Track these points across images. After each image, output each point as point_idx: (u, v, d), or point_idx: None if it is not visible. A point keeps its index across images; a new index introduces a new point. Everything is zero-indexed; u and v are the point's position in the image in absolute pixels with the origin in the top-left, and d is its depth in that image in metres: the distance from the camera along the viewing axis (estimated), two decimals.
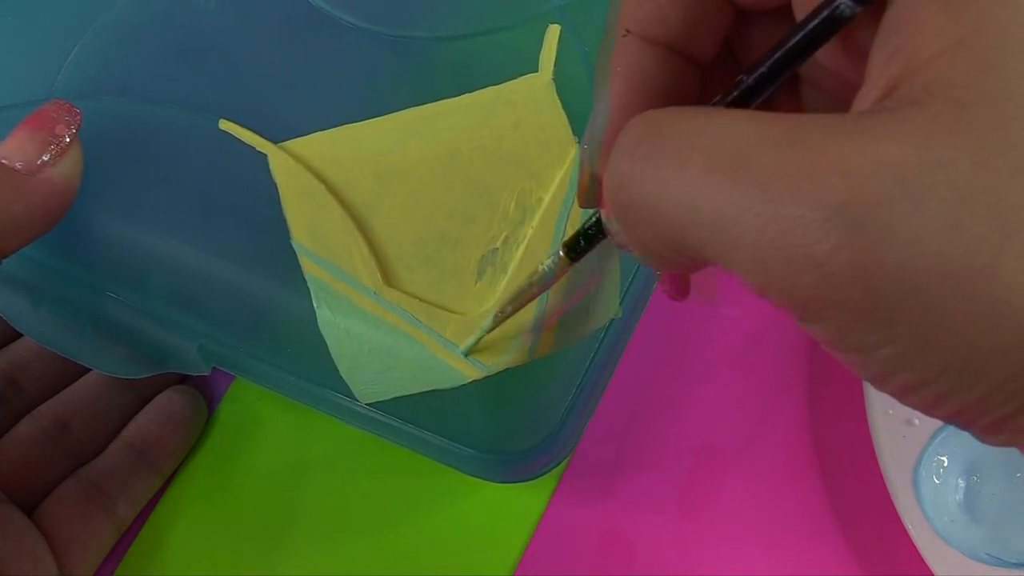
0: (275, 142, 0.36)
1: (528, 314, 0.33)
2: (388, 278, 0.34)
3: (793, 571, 0.41)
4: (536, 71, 0.36)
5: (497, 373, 0.33)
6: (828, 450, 0.43)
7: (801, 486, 0.43)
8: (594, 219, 0.27)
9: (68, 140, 0.34)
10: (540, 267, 0.29)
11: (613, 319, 0.35)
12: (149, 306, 0.36)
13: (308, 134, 0.36)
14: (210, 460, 0.44)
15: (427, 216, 0.34)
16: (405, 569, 0.42)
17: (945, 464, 0.40)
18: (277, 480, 0.43)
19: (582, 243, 0.27)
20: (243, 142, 0.36)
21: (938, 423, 0.39)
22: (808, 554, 0.42)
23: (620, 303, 0.35)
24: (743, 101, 0.22)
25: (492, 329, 0.32)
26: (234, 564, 0.42)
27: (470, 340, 0.33)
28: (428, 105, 0.36)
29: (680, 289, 0.28)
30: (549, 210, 0.34)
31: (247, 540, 0.43)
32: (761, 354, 0.45)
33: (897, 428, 0.40)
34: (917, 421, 0.40)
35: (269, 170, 0.35)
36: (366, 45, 0.38)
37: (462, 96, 0.36)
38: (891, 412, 0.40)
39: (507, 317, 0.31)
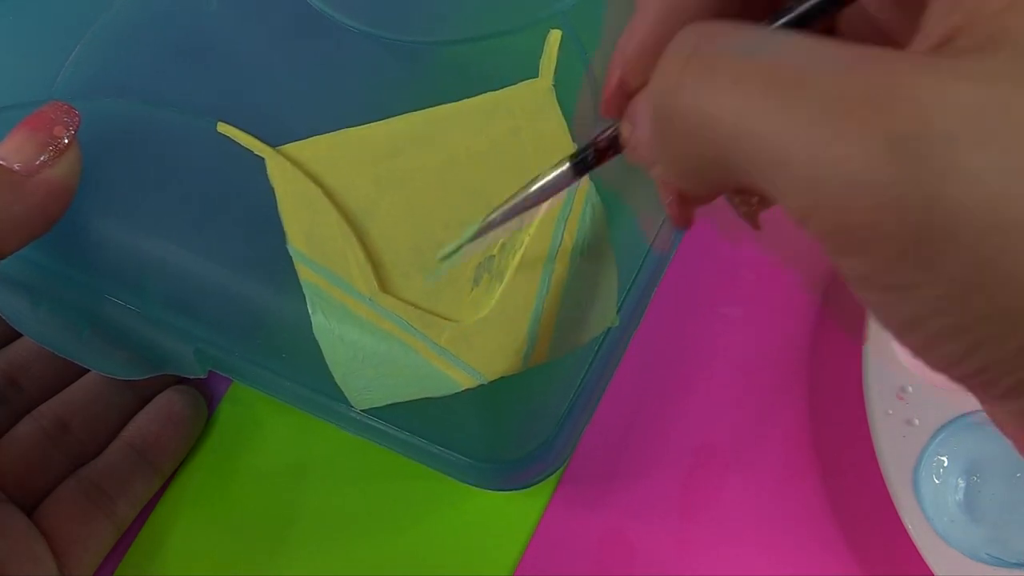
0: (273, 145, 0.36)
1: (524, 321, 0.33)
2: (384, 284, 0.33)
3: (793, 571, 0.41)
4: (537, 77, 0.36)
5: (492, 381, 0.32)
6: (828, 450, 0.43)
7: (801, 486, 0.42)
8: (610, 132, 0.26)
9: (67, 141, 0.34)
10: (541, 175, 0.28)
11: (610, 327, 0.35)
12: (146, 309, 0.36)
13: (306, 138, 0.36)
14: (210, 460, 0.44)
15: (424, 222, 0.34)
16: (404, 571, 0.42)
17: (945, 464, 0.40)
18: (277, 481, 0.44)
19: (591, 157, 0.27)
20: (241, 145, 0.36)
21: (938, 423, 0.39)
22: (808, 554, 0.41)
23: (617, 312, 0.35)
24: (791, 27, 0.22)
25: (475, 237, 0.31)
26: (234, 564, 0.42)
27: (449, 247, 0.32)
28: (427, 110, 0.36)
29: (686, 217, 0.27)
30: (546, 217, 0.34)
31: (247, 540, 0.43)
32: (761, 354, 0.45)
33: (897, 428, 0.39)
34: (917, 421, 0.40)
35: (267, 174, 0.35)
36: (366, 49, 0.37)
37: (461, 101, 0.36)
38: (891, 412, 0.40)
39: (494, 227, 0.31)
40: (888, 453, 0.39)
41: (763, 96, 0.18)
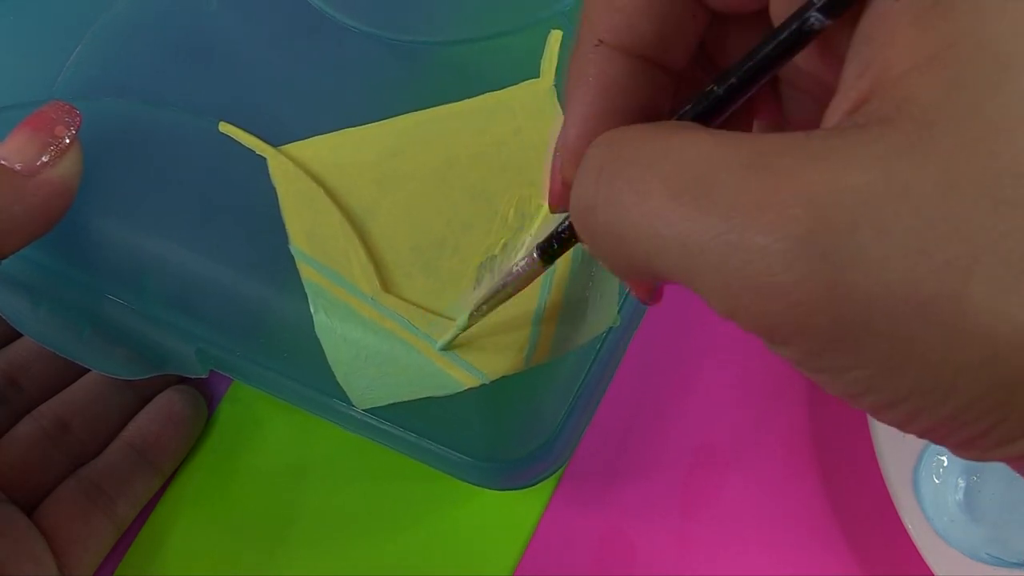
0: (275, 145, 0.36)
1: (526, 321, 0.33)
2: (386, 284, 0.33)
3: (793, 571, 0.41)
4: (538, 77, 0.36)
5: (494, 381, 0.33)
6: (828, 450, 0.43)
7: (801, 486, 0.43)
8: (567, 223, 0.27)
9: (68, 141, 0.34)
10: (514, 267, 0.29)
11: (611, 327, 0.35)
12: (147, 309, 0.36)
13: (308, 138, 0.36)
14: (210, 460, 0.44)
15: (426, 222, 0.34)
16: (404, 571, 0.42)
17: (945, 464, 0.40)
18: (277, 480, 0.44)
19: (555, 246, 0.28)
20: (243, 145, 0.36)
21: None
22: (808, 554, 0.42)
23: (618, 312, 0.35)
24: (714, 110, 0.22)
25: (467, 327, 0.32)
26: (234, 564, 0.42)
27: (447, 336, 0.32)
28: (428, 110, 0.36)
29: (650, 296, 0.28)
30: (548, 217, 0.34)
31: (247, 540, 0.43)
32: (761, 354, 0.45)
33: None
34: None
35: (268, 174, 0.35)
36: (367, 49, 0.37)
37: (463, 101, 0.36)
38: None
39: (482, 316, 0.32)
40: (888, 453, 0.39)
41: (667, 209, 0.19)
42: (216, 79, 0.37)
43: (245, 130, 0.36)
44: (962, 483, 0.40)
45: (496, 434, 0.34)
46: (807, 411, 0.44)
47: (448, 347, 0.33)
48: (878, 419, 0.19)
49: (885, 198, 0.17)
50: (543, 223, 0.34)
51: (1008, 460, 0.19)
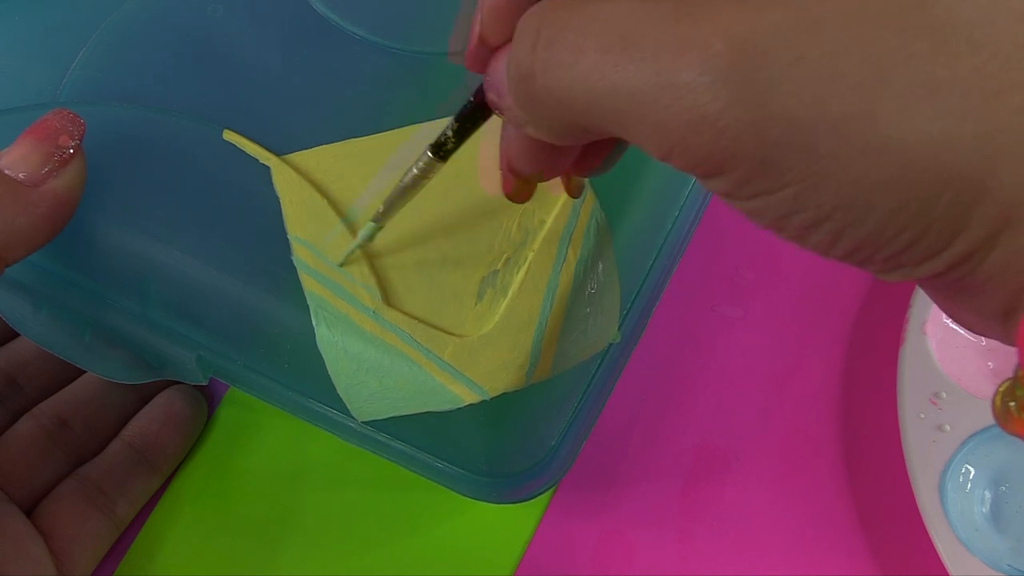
0: (279, 154, 0.36)
1: (527, 337, 0.33)
2: (388, 297, 0.33)
3: (819, 572, 0.42)
4: None
5: (494, 397, 0.33)
6: (854, 452, 0.43)
7: (827, 488, 0.43)
8: (466, 111, 0.27)
9: (72, 151, 0.34)
10: (411, 170, 0.30)
11: (611, 343, 0.35)
12: (149, 315, 0.36)
13: (313, 147, 0.36)
14: (209, 461, 0.44)
15: (429, 235, 0.34)
16: (401, 574, 0.42)
17: (971, 475, 0.40)
18: (276, 482, 0.44)
19: (451, 140, 0.28)
20: (247, 153, 0.36)
21: (969, 431, 0.40)
22: (832, 557, 0.42)
23: (619, 328, 0.35)
24: None
25: (370, 239, 0.33)
26: (233, 565, 0.43)
27: (345, 250, 0.33)
28: (433, 122, 0.36)
29: (523, 195, 0.30)
30: (551, 232, 0.34)
31: (246, 541, 0.43)
32: (786, 357, 0.45)
33: (928, 433, 0.40)
34: (948, 427, 0.40)
35: (272, 183, 0.35)
36: (374, 58, 0.37)
37: None
38: (923, 417, 0.40)
39: (382, 226, 0.32)
40: (917, 458, 0.40)
41: (602, 63, 0.21)
42: (221, 86, 0.37)
43: (249, 138, 0.36)
44: (988, 494, 0.40)
45: (495, 449, 0.35)
46: (839, 413, 0.44)
47: (345, 263, 0.33)
48: (808, 246, 0.21)
49: (798, 30, 0.19)
50: (546, 238, 0.34)
51: (930, 280, 0.21)
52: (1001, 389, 0.25)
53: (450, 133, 0.28)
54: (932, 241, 0.19)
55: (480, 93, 0.27)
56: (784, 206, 0.20)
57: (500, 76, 0.25)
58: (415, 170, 0.30)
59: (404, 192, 0.31)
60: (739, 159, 0.20)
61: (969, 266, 0.20)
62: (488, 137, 0.31)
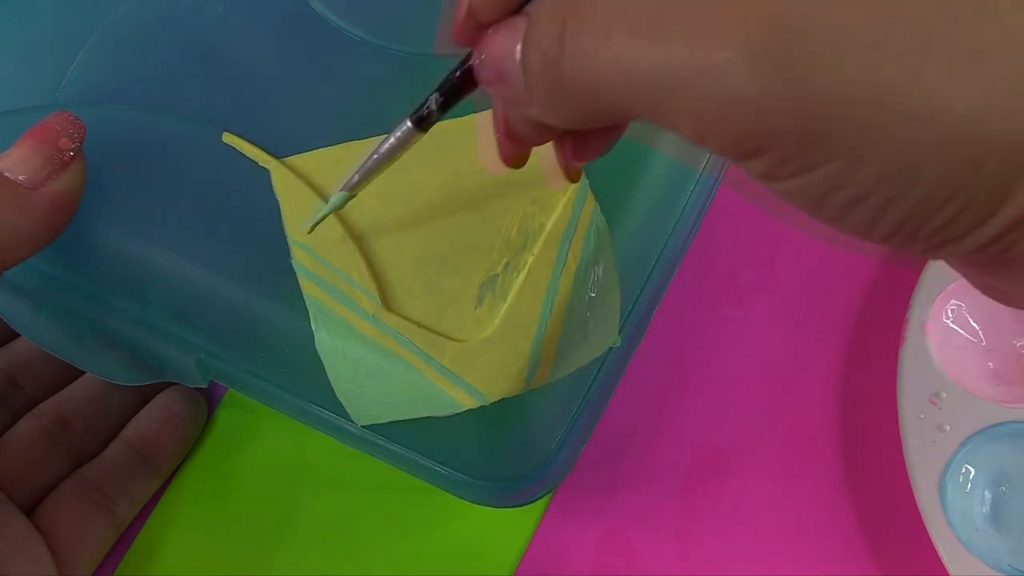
0: (279, 156, 0.36)
1: (527, 342, 0.33)
2: (388, 302, 0.33)
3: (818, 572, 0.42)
4: None
5: (493, 402, 0.33)
6: (854, 452, 0.43)
7: (827, 488, 0.43)
8: (451, 83, 0.27)
9: (72, 154, 0.33)
10: (389, 139, 0.29)
11: (611, 347, 0.35)
12: (148, 318, 0.36)
13: (312, 149, 0.36)
14: (209, 461, 0.44)
15: (429, 239, 0.34)
16: (401, 573, 0.42)
17: (971, 475, 0.40)
18: (276, 483, 0.44)
19: (433, 113, 0.28)
20: (246, 156, 0.36)
21: (969, 431, 0.40)
22: (832, 557, 0.42)
23: (619, 332, 0.35)
24: None
25: (341, 206, 0.32)
26: (233, 565, 0.43)
27: (313, 217, 0.33)
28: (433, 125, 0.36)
29: (521, 159, 0.29)
30: (551, 236, 0.34)
31: (245, 542, 0.43)
32: (787, 357, 0.45)
33: (928, 433, 0.40)
34: (948, 427, 0.40)
35: (271, 185, 0.35)
36: (374, 61, 0.37)
37: (468, 116, 0.36)
38: (923, 417, 0.40)
39: (355, 193, 0.32)
40: (917, 458, 0.40)
41: (633, 47, 0.20)
42: (220, 88, 0.37)
43: (249, 141, 0.36)
44: (988, 495, 0.40)
45: (494, 454, 0.35)
46: (825, 416, 0.44)
47: (313, 230, 0.33)
48: (849, 227, 0.21)
49: (832, 7, 0.18)
50: (546, 243, 0.34)
51: (976, 253, 0.20)
52: None
53: (433, 106, 0.27)
54: (979, 209, 0.19)
55: (465, 65, 0.26)
56: (825, 184, 0.20)
57: (503, 56, 0.24)
58: (393, 139, 0.29)
59: (379, 162, 0.30)
60: (778, 138, 0.19)
61: (1015, 235, 0.20)
62: (485, 115, 0.31)
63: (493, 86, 0.25)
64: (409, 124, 0.28)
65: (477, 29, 0.25)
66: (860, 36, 0.18)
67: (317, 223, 0.33)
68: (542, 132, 0.27)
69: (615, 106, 0.22)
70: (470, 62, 0.26)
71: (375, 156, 0.30)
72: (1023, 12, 0.18)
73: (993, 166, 0.18)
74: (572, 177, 0.32)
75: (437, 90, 0.27)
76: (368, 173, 0.31)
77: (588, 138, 0.28)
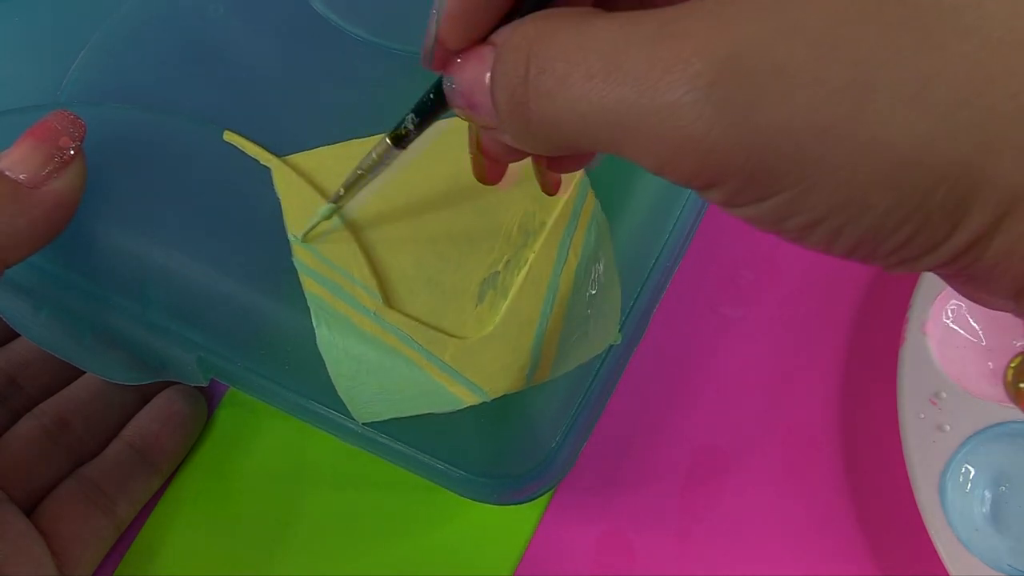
0: (280, 155, 0.36)
1: (528, 339, 0.33)
2: (389, 299, 0.33)
3: (818, 572, 0.42)
4: None
5: (495, 399, 0.33)
6: (854, 452, 0.43)
7: (827, 488, 0.43)
8: (427, 105, 0.28)
9: (72, 153, 0.34)
10: (370, 155, 0.30)
11: (612, 345, 0.35)
12: (148, 316, 0.36)
13: (313, 148, 0.36)
14: (209, 461, 0.44)
15: (430, 237, 0.34)
16: (400, 574, 0.42)
17: (971, 475, 0.40)
18: (275, 482, 0.44)
19: (411, 130, 0.29)
20: (247, 154, 0.36)
21: (969, 431, 0.40)
22: (832, 557, 0.42)
23: (619, 329, 0.35)
24: None
25: (328, 217, 0.33)
26: (232, 565, 0.43)
27: (307, 226, 0.34)
28: (434, 123, 0.36)
29: (498, 176, 0.30)
30: (552, 234, 0.34)
31: (245, 541, 0.43)
32: (763, 359, 0.45)
33: (928, 433, 0.40)
34: (948, 427, 0.40)
35: (272, 184, 0.35)
36: (375, 59, 0.37)
37: None
38: (923, 416, 0.40)
39: (341, 206, 0.33)
40: (917, 458, 0.40)
41: (588, 89, 0.21)
42: (221, 87, 0.37)
43: (250, 139, 0.36)
44: (988, 495, 0.40)
45: (495, 451, 0.35)
46: (825, 416, 0.44)
47: (307, 239, 0.34)
48: (808, 245, 0.21)
49: (777, 39, 0.19)
50: (547, 240, 0.34)
51: (937, 269, 0.21)
52: (1013, 365, 0.25)
53: (410, 125, 0.28)
54: (932, 234, 0.20)
55: (439, 89, 0.27)
56: (779, 211, 0.20)
57: (470, 87, 0.25)
58: (373, 155, 0.30)
59: (360, 177, 0.31)
60: (729, 173, 0.20)
61: (973, 255, 0.20)
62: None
63: (465, 112, 0.26)
64: (387, 142, 0.29)
65: (447, 56, 0.25)
66: (801, 72, 0.18)
67: (308, 231, 0.34)
68: (515, 153, 0.27)
69: (579, 142, 0.22)
70: (442, 86, 0.26)
71: (358, 171, 0.31)
72: (967, 40, 0.18)
73: (942, 193, 0.19)
74: (549, 191, 0.32)
75: (413, 110, 0.28)
76: (351, 186, 0.32)
77: (562, 159, 0.29)
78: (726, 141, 0.19)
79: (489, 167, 0.30)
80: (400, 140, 0.29)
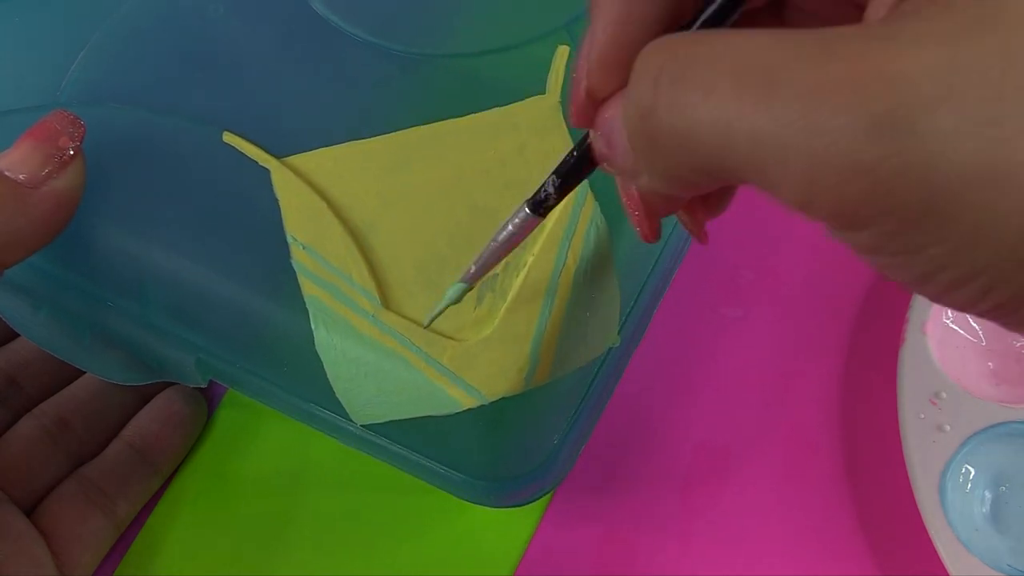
0: (279, 156, 0.36)
1: (526, 342, 0.33)
2: (387, 301, 0.33)
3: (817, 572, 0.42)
4: (544, 92, 0.36)
5: (493, 401, 0.33)
6: (854, 451, 0.43)
7: (827, 488, 0.43)
8: (569, 164, 0.26)
9: (72, 153, 0.34)
10: (506, 226, 0.29)
11: (611, 347, 0.35)
12: (148, 317, 0.36)
13: (312, 149, 0.36)
14: (209, 461, 0.44)
15: (429, 239, 0.34)
16: (400, 574, 0.42)
17: (971, 475, 0.40)
18: (275, 483, 0.44)
19: (551, 196, 0.27)
20: (246, 156, 0.36)
21: (969, 431, 0.40)
22: (832, 557, 0.42)
23: (618, 332, 0.35)
24: (720, 18, 0.22)
25: (458, 300, 0.32)
26: (232, 566, 0.43)
27: (434, 311, 0.32)
28: (433, 124, 0.36)
29: (655, 230, 0.28)
30: (550, 238, 0.34)
31: (245, 542, 0.43)
32: (788, 356, 0.45)
33: (928, 433, 0.40)
34: (948, 427, 0.40)
35: (271, 185, 0.35)
36: (374, 60, 0.37)
37: (467, 116, 0.36)
38: (923, 416, 0.40)
39: (473, 285, 0.31)
40: (917, 458, 0.40)
41: (739, 101, 0.19)
42: (221, 88, 0.37)
43: (249, 140, 0.36)
44: (989, 495, 0.40)
45: (493, 454, 0.35)
46: (825, 416, 0.44)
47: (431, 323, 0.33)
48: (944, 301, 0.20)
49: (956, 73, 0.17)
50: (545, 243, 0.34)
51: None
52: None
53: (551, 189, 0.27)
54: None
55: (584, 144, 0.25)
56: (931, 264, 0.18)
57: (612, 123, 0.23)
58: (510, 226, 0.29)
59: (498, 250, 0.30)
60: (893, 213, 0.18)
61: None
62: None
63: (606, 159, 0.24)
64: (527, 210, 0.28)
65: (595, 108, 0.24)
66: (980, 112, 0.17)
67: (435, 316, 0.32)
68: (662, 201, 0.26)
69: (712, 164, 0.20)
70: (587, 141, 0.25)
71: (493, 244, 0.29)
72: None
73: None
74: (703, 239, 0.29)
75: (554, 172, 0.26)
76: (487, 262, 0.30)
77: (706, 198, 0.27)
78: (899, 176, 0.17)
79: (644, 221, 0.27)
80: (539, 206, 0.27)
